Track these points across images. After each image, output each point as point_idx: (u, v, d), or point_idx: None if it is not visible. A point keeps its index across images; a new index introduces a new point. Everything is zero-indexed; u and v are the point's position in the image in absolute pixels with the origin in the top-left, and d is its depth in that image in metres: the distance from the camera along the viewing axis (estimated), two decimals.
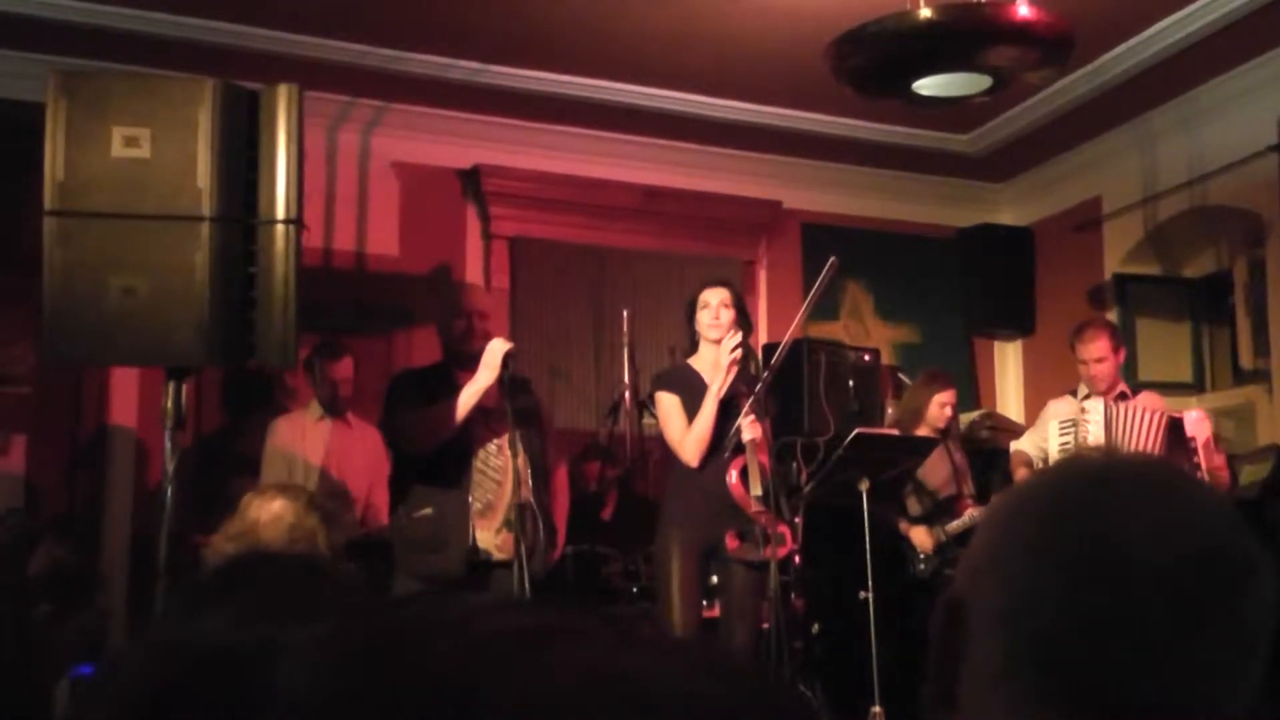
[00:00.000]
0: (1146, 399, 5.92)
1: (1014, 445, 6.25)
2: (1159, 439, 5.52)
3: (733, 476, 4.91)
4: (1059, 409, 5.97)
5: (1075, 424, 5.69)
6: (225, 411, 6.91)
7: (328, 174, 7.20)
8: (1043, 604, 0.95)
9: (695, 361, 5.17)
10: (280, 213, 3.90)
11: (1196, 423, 5.63)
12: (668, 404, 5.06)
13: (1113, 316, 7.89)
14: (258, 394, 6.88)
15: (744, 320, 5.13)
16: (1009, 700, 0.96)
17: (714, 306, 5.08)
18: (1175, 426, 5.62)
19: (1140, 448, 5.45)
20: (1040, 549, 0.97)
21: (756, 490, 4.83)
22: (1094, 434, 5.53)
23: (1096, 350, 5.77)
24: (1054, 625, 0.95)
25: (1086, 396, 5.82)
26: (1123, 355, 5.94)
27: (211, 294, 3.78)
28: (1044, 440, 5.91)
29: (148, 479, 6.50)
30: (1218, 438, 5.88)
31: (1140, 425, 5.57)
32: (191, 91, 3.89)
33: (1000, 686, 0.97)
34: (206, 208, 3.80)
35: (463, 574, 4.68)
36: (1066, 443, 5.69)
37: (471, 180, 7.57)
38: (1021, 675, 0.96)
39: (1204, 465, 5.51)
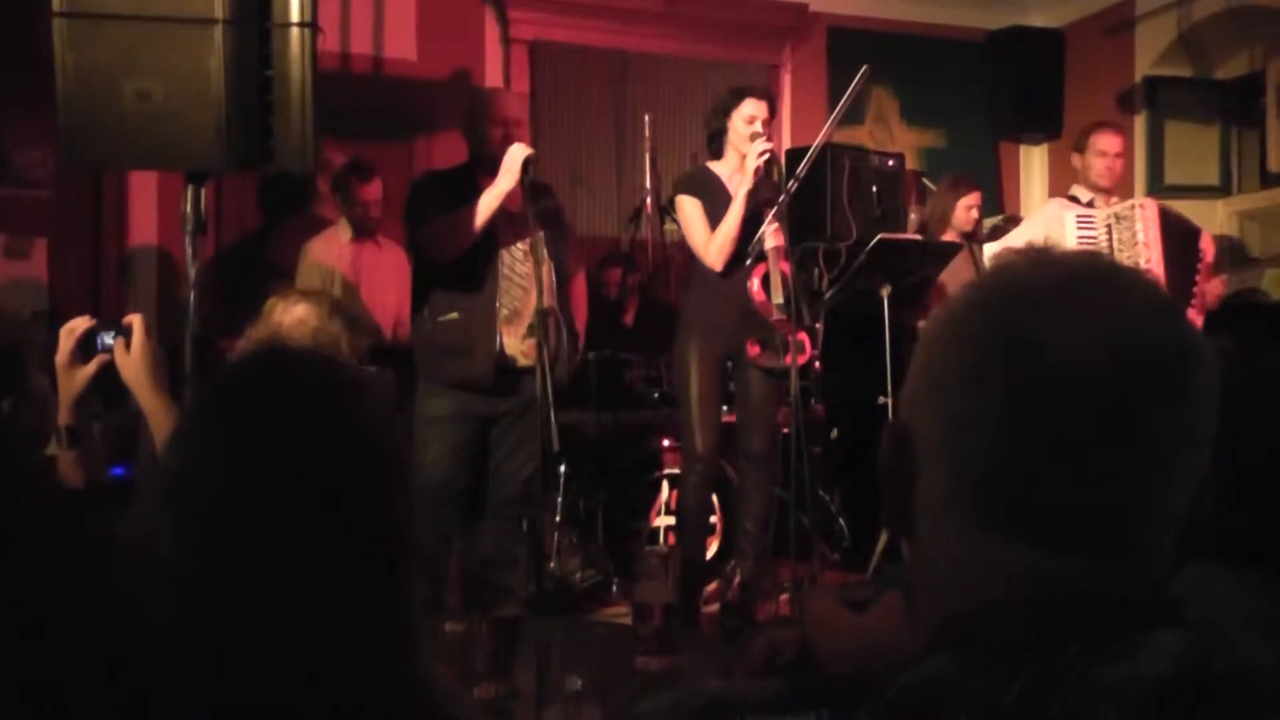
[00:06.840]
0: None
1: (994, 247, 5.87)
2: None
3: (754, 284, 4.91)
4: (1061, 213, 5.73)
5: (1117, 218, 5.50)
6: (261, 215, 6.90)
7: None
8: (978, 430, 0.94)
9: (717, 166, 5.12)
10: (294, 16, 3.83)
11: (1209, 242, 5.61)
12: (689, 208, 5.01)
13: (1141, 120, 7.79)
14: (293, 197, 6.87)
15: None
16: (954, 527, 0.97)
17: (759, 121, 4.98)
18: (1193, 237, 5.56)
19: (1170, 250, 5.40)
20: (972, 375, 0.95)
21: (778, 298, 4.83)
22: (1150, 233, 5.42)
23: (1117, 143, 5.71)
24: (990, 451, 0.94)
25: (1090, 202, 5.71)
26: None
27: (227, 98, 3.73)
28: (1059, 239, 5.36)
29: (173, 285, 6.53)
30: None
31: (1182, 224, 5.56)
32: None
33: (946, 514, 0.97)
34: (218, 9, 3.73)
35: (491, 379, 4.71)
36: (1093, 237, 5.51)
37: None
38: (964, 502, 0.96)
39: (1201, 284, 5.50)
